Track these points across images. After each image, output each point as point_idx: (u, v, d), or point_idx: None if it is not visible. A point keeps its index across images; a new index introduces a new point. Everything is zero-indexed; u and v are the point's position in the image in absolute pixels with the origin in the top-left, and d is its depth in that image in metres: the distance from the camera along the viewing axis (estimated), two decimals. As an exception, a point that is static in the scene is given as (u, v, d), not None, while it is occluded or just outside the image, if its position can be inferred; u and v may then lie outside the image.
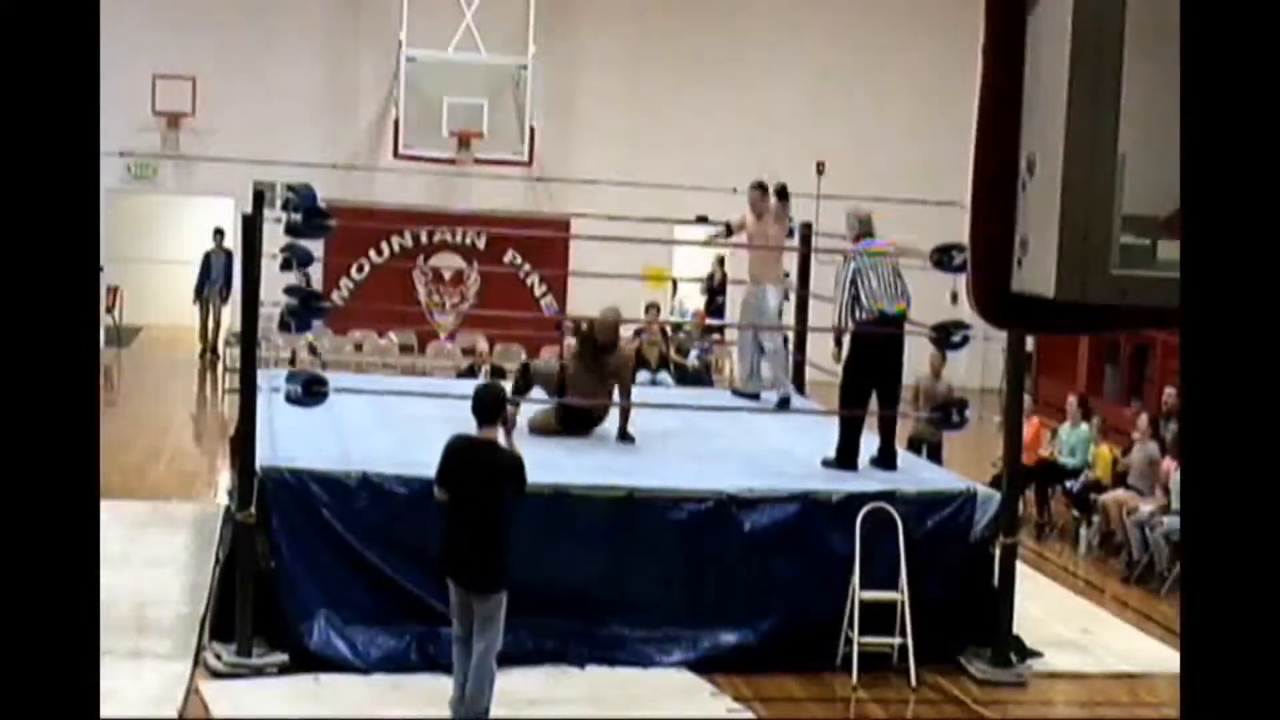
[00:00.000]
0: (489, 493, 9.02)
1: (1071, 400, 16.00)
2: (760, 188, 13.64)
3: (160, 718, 9.18)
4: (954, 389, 14.41)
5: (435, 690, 9.85)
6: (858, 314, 11.42)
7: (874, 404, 11.84)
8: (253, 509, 10.06)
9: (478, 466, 9.10)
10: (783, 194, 13.53)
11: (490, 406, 9.20)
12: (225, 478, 14.72)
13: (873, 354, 11.55)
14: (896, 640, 10.51)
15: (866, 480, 11.23)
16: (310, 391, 11.04)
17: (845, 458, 11.49)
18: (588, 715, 9.67)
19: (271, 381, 11.83)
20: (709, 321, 21.54)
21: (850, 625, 10.49)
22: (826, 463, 11.55)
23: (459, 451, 9.18)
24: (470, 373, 17.32)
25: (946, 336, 11.65)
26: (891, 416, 11.89)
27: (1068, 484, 15.28)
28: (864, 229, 11.82)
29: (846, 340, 11.80)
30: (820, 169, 24.26)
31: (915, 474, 11.67)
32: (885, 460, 11.64)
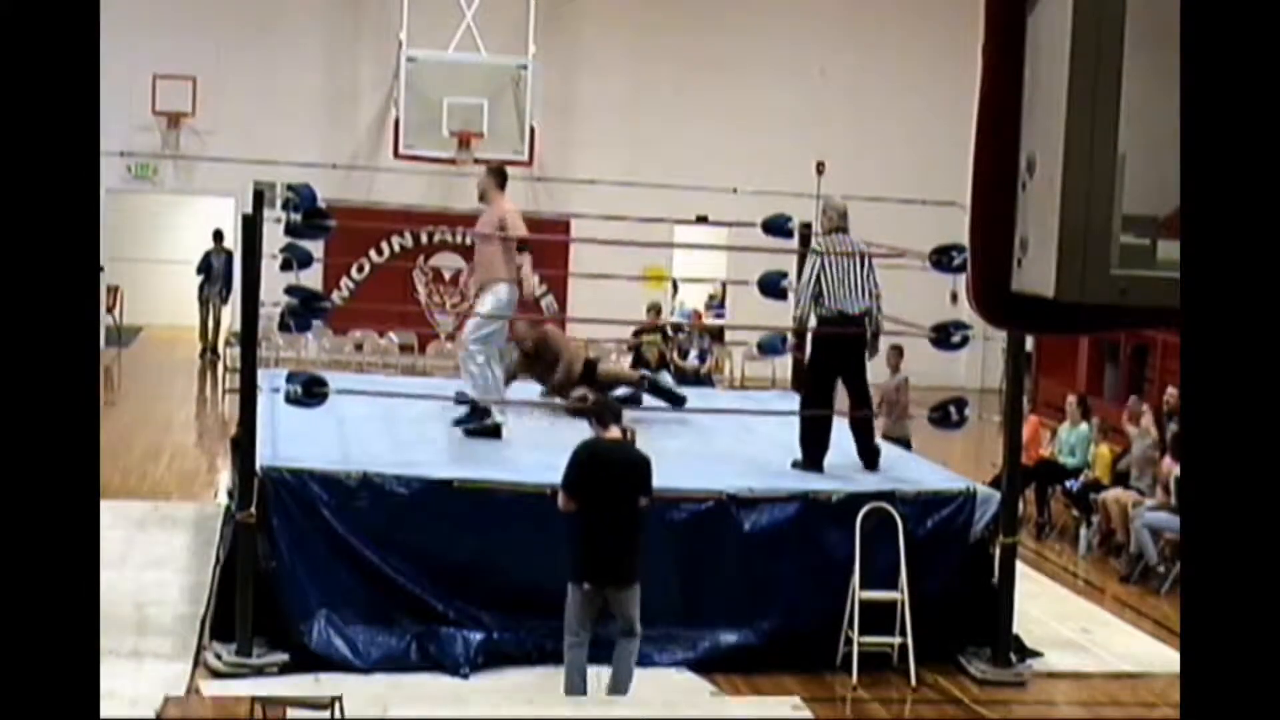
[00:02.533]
0: (627, 491, 9.26)
1: (1071, 400, 16.00)
2: (499, 174, 12.46)
3: (158, 718, 9.17)
4: (908, 382, 14.38)
5: (435, 690, 9.85)
6: (820, 311, 11.35)
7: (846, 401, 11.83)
8: (253, 509, 10.06)
9: (613, 467, 9.31)
10: (500, 174, 12.47)
11: (613, 407, 9.59)
12: (225, 477, 14.72)
13: (831, 353, 11.49)
14: (896, 640, 10.50)
15: (866, 480, 11.22)
16: (310, 392, 11.04)
17: (812, 459, 11.41)
18: (588, 715, 9.65)
19: (271, 382, 11.82)
20: (708, 322, 21.52)
21: (850, 625, 10.48)
22: (796, 464, 11.48)
23: (592, 456, 9.34)
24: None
25: (946, 337, 11.63)
26: (864, 416, 11.82)
27: (1068, 484, 15.26)
28: (838, 223, 11.69)
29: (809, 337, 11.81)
30: (820, 169, 24.29)
31: (914, 474, 11.65)
32: (868, 459, 11.58)
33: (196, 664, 10.04)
